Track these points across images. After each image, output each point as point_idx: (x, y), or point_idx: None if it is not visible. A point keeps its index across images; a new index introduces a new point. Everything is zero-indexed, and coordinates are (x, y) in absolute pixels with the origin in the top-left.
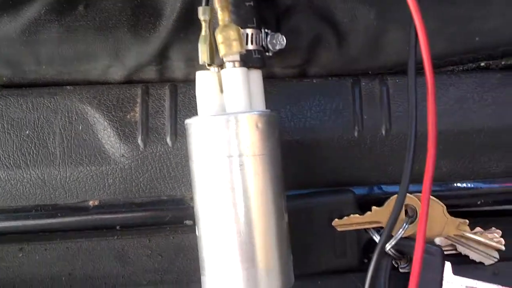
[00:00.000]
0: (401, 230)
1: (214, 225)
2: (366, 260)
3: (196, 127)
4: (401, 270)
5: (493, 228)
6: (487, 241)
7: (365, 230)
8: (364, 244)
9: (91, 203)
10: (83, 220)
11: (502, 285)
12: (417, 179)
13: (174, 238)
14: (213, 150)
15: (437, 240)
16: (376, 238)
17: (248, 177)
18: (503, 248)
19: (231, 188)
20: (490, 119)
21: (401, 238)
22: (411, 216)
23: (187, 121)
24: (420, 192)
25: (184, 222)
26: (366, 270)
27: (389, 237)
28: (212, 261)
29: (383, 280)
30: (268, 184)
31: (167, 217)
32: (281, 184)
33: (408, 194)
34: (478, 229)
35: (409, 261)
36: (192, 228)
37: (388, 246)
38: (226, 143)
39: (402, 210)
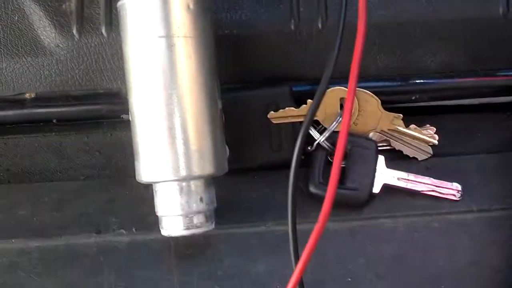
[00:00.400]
0: (334, 123)
1: (146, 108)
2: (303, 157)
3: (127, 8)
4: None
5: (428, 125)
6: (420, 135)
7: (301, 123)
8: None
9: (27, 95)
10: (20, 113)
11: (434, 179)
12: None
13: (112, 135)
14: (144, 30)
15: (372, 135)
16: (312, 132)
17: (179, 58)
18: (436, 142)
19: (162, 69)
20: (426, 12)
21: (335, 131)
22: None
23: (119, 2)
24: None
25: (121, 116)
26: (303, 166)
27: (323, 129)
28: (145, 145)
29: (317, 172)
30: (200, 67)
31: (103, 111)
32: (214, 68)
33: (344, 88)
34: (412, 126)
35: (345, 155)
36: (129, 124)
37: (322, 139)
38: (157, 23)
39: (337, 103)
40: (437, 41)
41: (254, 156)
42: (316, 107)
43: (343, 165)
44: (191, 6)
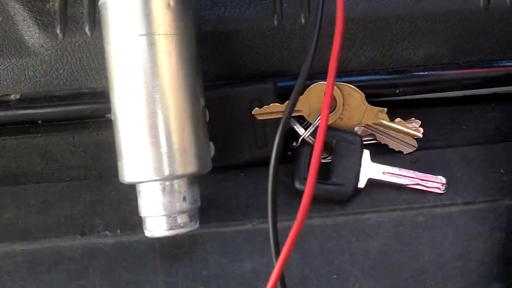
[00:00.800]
0: (319, 117)
1: (127, 107)
2: (289, 153)
3: (108, 6)
4: (322, 160)
5: (413, 118)
6: (405, 129)
7: None
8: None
9: (12, 96)
10: (5, 115)
11: (419, 172)
12: (339, 69)
13: (98, 135)
14: (124, 28)
15: (357, 130)
16: (297, 127)
17: (160, 56)
18: (420, 135)
19: (143, 68)
20: (408, 5)
21: None
22: (332, 106)
23: (101, 1)
24: (341, 82)
25: (106, 116)
26: (288, 162)
27: (309, 125)
28: (127, 144)
29: (302, 167)
30: (181, 65)
31: (89, 110)
32: (196, 66)
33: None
34: (397, 119)
35: (331, 150)
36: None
37: (306, 134)
38: (137, 21)
39: (322, 98)
40: (420, 34)
41: (239, 153)
42: (294, 103)
43: (328, 160)
44: (172, 3)
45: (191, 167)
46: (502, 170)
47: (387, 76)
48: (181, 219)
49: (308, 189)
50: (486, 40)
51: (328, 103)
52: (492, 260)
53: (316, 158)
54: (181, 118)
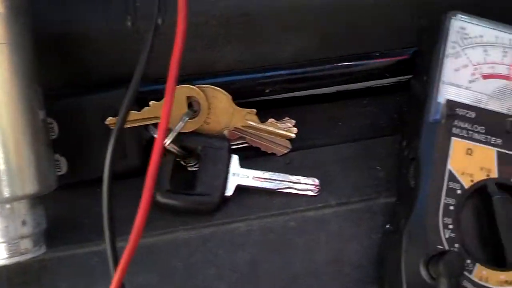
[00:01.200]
0: (180, 123)
1: None
2: None
3: None
4: (189, 169)
5: (287, 118)
6: (276, 130)
7: (145, 127)
8: (146, 144)
9: None
10: None
11: (293, 174)
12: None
13: None
14: None
15: (226, 133)
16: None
17: None
18: (293, 135)
19: None
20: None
21: (185, 133)
22: (195, 110)
23: None
24: (206, 83)
25: None
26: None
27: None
28: None
29: (164, 178)
30: (14, 76)
31: None
32: (33, 76)
33: (192, 86)
34: (271, 120)
35: (198, 158)
36: None
37: (167, 141)
38: None
39: (184, 102)
40: (288, 30)
41: (95, 166)
42: (125, 112)
43: (195, 168)
44: (1, 10)
45: (30, 188)
46: (378, 167)
47: (255, 75)
48: (23, 244)
49: (142, 207)
50: (358, 34)
51: (167, 110)
52: (368, 262)
53: (151, 172)
54: (15, 135)
